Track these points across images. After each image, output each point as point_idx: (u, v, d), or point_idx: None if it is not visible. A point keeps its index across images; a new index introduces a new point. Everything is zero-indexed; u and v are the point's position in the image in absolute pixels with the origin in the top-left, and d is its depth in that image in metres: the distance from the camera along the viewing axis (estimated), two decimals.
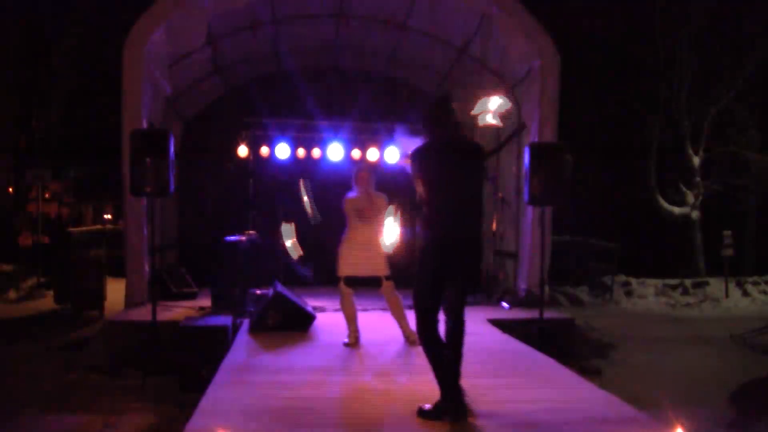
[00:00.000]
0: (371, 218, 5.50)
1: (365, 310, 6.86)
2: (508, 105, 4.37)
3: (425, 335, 3.78)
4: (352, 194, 5.61)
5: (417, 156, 3.91)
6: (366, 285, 5.67)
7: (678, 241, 15.15)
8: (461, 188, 3.82)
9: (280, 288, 6.25)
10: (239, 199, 9.39)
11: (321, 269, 9.54)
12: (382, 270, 5.53)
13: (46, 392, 5.35)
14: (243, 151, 9.11)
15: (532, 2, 7.64)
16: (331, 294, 8.17)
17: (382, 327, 6.23)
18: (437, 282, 3.77)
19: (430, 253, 3.78)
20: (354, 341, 5.65)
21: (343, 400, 4.03)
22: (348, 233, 5.59)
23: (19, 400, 5.11)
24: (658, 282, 11.76)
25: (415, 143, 4.12)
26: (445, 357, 3.73)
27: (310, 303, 6.82)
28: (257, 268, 7.68)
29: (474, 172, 3.93)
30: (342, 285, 5.59)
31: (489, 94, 4.72)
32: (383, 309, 6.93)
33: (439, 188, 3.80)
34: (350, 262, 5.53)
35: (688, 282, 11.79)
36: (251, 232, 7.81)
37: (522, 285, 7.89)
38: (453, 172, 3.82)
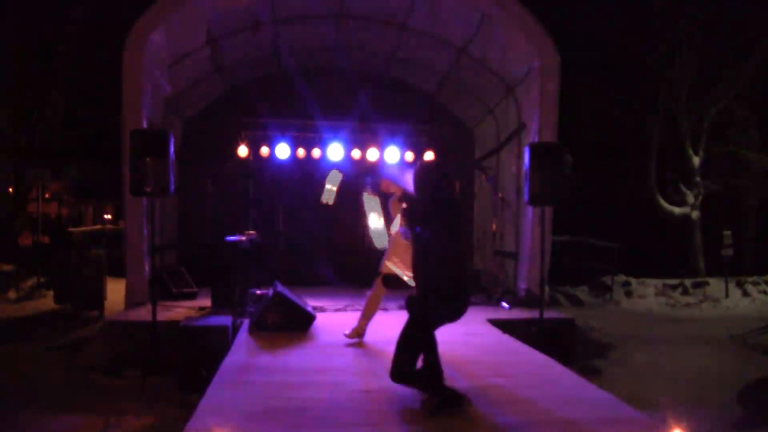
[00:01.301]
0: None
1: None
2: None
3: (406, 373, 3.94)
4: (392, 198, 5.47)
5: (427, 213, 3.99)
6: (367, 285, 5.68)
7: (678, 241, 15.14)
8: (463, 251, 3.98)
9: (280, 288, 6.24)
10: (239, 199, 9.39)
11: (320, 269, 9.58)
12: None
13: (46, 392, 5.35)
14: (243, 151, 9.11)
15: (532, 2, 7.64)
16: (331, 294, 8.20)
17: (383, 327, 6.22)
18: (430, 336, 3.98)
19: (442, 311, 3.95)
20: (354, 335, 5.65)
21: (343, 401, 4.02)
22: (393, 233, 5.48)
23: (19, 400, 5.11)
24: (658, 282, 11.76)
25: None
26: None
27: (310, 303, 6.82)
28: (257, 268, 7.68)
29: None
30: (379, 281, 5.50)
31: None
32: (384, 309, 6.94)
33: (449, 254, 3.94)
34: (395, 261, 5.42)
35: (688, 282, 11.79)
36: (251, 232, 7.81)
37: (522, 285, 7.89)
38: (457, 235, 4.01)
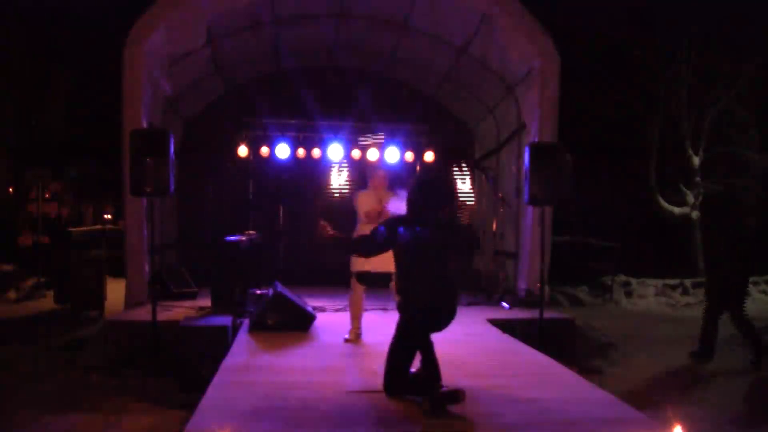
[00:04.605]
0: (378, 216, 5.51)
1: (365, 310, 6.86)
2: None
3: (400, 384, 3.96)
4: (362, 191, 5.65)
5: (396, 228, 4.04)
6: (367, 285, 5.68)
7: (678, 241, 15.13)
8: (439, 264, 4.00)
9: (280, 288, 6.24)
10: (239, 199, 9.39)
11: (320, 269, 9.57)
12: (392, 266, 5.54)
13: (46, 392, 5.35)
14: (243, 151, 9.11)
15: (532, 2, 7.64)
16: (331, 294, 8.19)
17: (382, 327, 6.20)
18: (419, 345, 4.01)
19: (417, 327, 3.98)
20: (355, 338, 5.68)
21: (344, 400, 4.02)
22: (358, 230, 5.59)
23: (19, 400, 5.11)
24: (658, 282, 11.75)
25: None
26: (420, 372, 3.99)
27: (310, 303, 6.81)
28: (257, 268, 7.68)
29: (445, 245, 4.06)
30: (354, 281, 5.58)
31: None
32: (384, 309, 6.95)
33: (421, 266, 3.97)
34: (362, 258, 5.51)
35: (688, 282, 11.78)
36: (251, 232, 7.81)
37: (522, 285, 7.89)
38: (432, 249, 4.00)
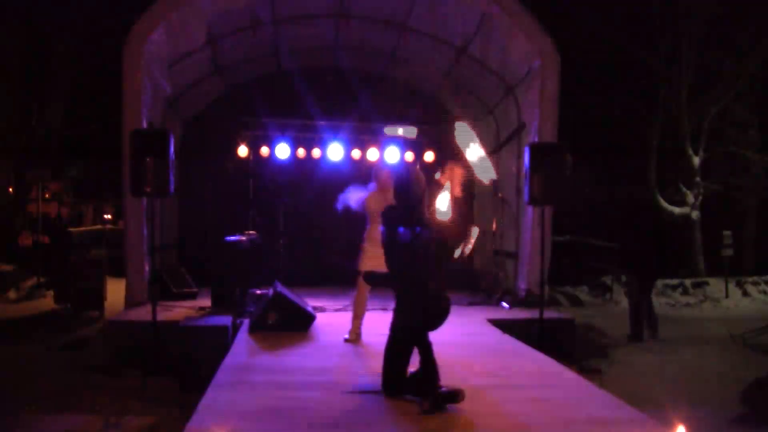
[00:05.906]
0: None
1: (365, 310, 6.87)
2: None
3: (399, 385, 3.97)
4: (371, 192, 5.61)
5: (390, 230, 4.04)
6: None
7: (678, 241, 15.13)
8: (433, 264, 3.98)
9: (280, 288, 6.24)
10: (239, 199, 9.39)
11: (321, 269, 9.58)
12: None
13: (46, 392, 5.35)
14: (243, 151, 9.11)
15: (532, 2, 7.64)
16: (332, 294, 8.20)
17: (382, 327, 6.19)
18: (414, 345, 4.00)
19: (412, 327, 3.98)
20: (355, 338, 5.68)
21: (343, 400, 4.03)
22: (369, 230, 5.57)
23: (19, 400, 5.11)
24: (658, 282, 11.74)
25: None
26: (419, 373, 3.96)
27: (310, 303, 6.82)
28: (257, 268, 7.68)
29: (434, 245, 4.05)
30: (360, 280, 5.53)
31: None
32: (384, 309, 6.94)
33: (418, 266, 3.94)
34: (372, 258, 5.45)
35: (688, 282, 11.79)
36: (251, 232, 7.81)
37: (522, 285, 7.89)
38: (430, 249, 3.97)
